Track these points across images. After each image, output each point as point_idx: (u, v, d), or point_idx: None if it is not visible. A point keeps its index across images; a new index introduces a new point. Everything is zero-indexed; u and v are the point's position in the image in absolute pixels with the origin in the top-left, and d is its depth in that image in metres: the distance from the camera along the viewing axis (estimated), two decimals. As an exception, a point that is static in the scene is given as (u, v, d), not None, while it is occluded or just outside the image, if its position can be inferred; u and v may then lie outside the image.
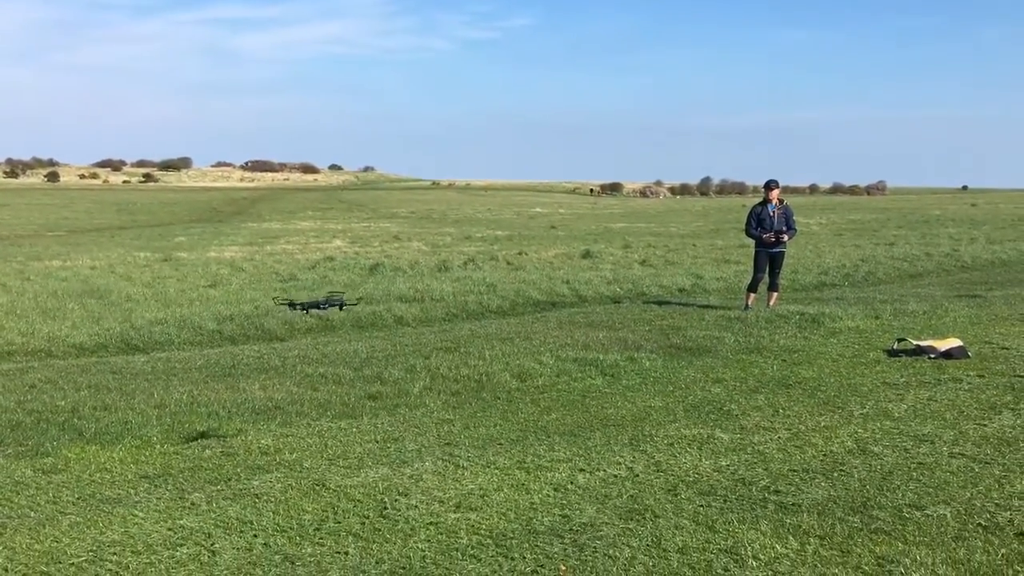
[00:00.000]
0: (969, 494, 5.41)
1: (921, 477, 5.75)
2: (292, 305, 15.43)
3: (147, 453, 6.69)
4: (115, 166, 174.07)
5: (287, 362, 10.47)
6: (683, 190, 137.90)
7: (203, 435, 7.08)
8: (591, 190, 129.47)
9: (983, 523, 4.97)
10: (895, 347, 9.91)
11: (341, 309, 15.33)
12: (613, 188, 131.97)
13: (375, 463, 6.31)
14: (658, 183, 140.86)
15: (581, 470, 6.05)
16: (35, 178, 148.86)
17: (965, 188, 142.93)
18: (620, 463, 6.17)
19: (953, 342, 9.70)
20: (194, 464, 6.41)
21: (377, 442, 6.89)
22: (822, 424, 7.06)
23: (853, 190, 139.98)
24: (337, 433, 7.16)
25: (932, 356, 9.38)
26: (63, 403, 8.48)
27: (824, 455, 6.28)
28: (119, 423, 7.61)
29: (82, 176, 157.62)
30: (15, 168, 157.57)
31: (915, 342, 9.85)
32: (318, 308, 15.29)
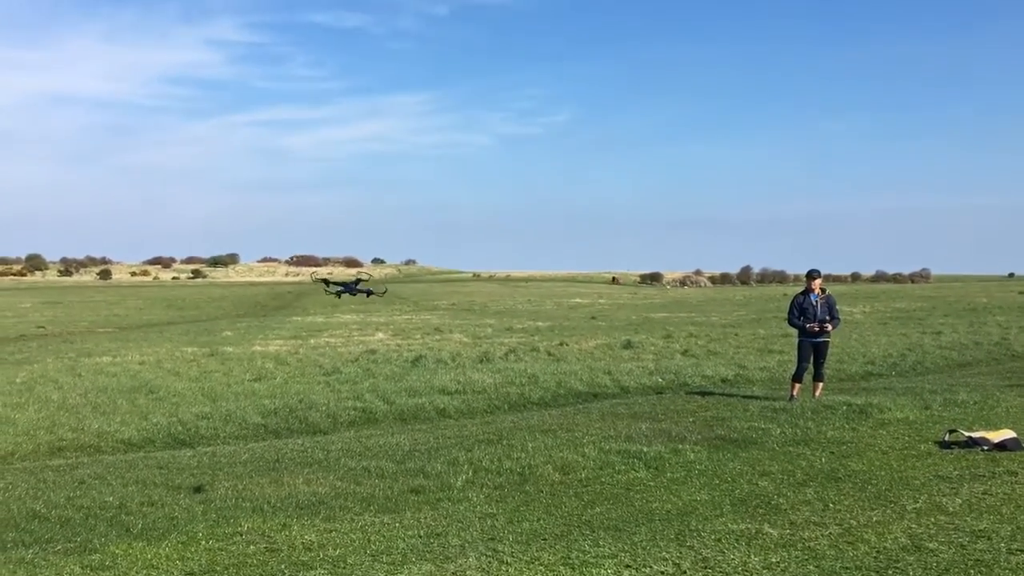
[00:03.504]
0: (1031, 593, 5.23)
1: (979, 575, 5.57)
2: (327, 283, 16.56)
3: (192, 549, 6.73)
4: (165, 263, 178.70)
5: (330, 456, 10.52)
6: (723, 279, 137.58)
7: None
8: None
9: (1047, 623, 4.78)
10: (947, 439, 9.69)
11: (368, 296, 16.35)
12: (653, 278, 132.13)
13: (418, 559, 6.27)
14: (698, 272, 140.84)
15: (627, 566, 5.95)
16: (88, 276, 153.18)
17: (1012, 275, 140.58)
18: (667, 559, 6.07)
19: (1007, 433, 9.47)
20: (239, 560, 6.43)
21: (420, 537, 6.86)
22: (874, 519, 6.89)
23: (896, 278, 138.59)
24: (380, 528, 7.15)
25: (985, 448, 9.15)
26: (111, 499, 8.59)
27: (877, 552, 6.11)
28: (165, 519, 7.68)
29: (133, 273, 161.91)
30: (69, 266, 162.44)
31: (967, 434, 9.63)
32: (349, 292, 16.38)
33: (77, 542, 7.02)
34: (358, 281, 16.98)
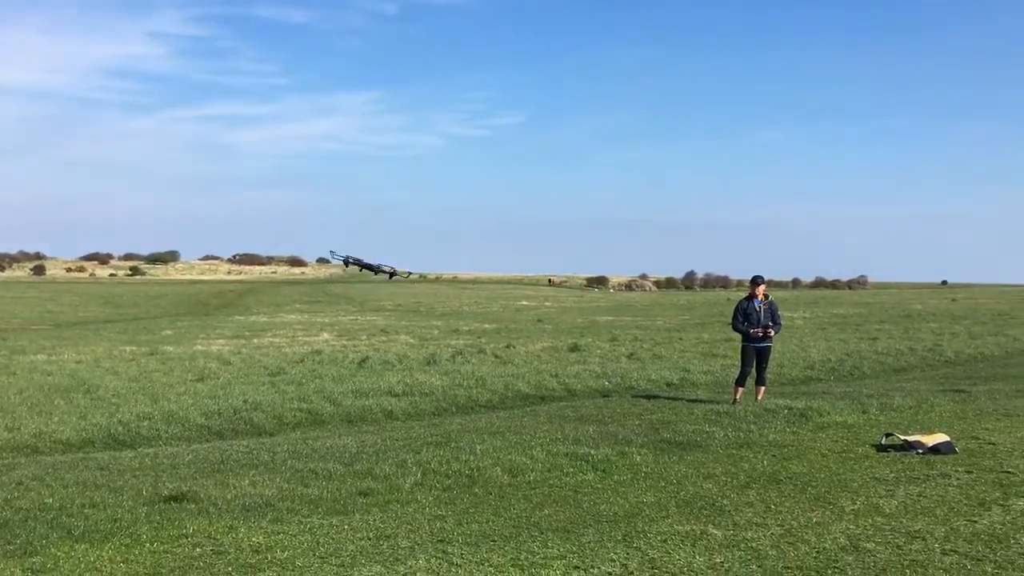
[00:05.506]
0: (962, 591, 5.43)
1: (914, 575, 5.77)
2: (346, 262, 16.83)
3: (136, 552, 6.62)
4: (102, 259, 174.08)
5: (277, 457, 10.42)
6: (668, 283, 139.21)
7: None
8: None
9: (978, 620, 4.98)
10: (883, 442, 9.99)
11: (391, 279, 16.64)
12: (599, 282, 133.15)
13: (368, 561, 6.28)
14: (643, 277, 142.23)
15: (575, 567, 6.03)
16: (21, 271, 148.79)
17: (945, 283, 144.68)
18: (614, 560, 6.17)
19: (940, 437, 9.81)
20: (184, 563, 6.35)
21: (370, 539, 6.86)
22: (814, 520, 7.09)
23: (835, 284, 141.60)
24: (329, 530, 7.12)
25: (920, 451, 9.46)
26: (51, 500, 8.40)
27: (817, 552, 6.29)
28: (108, 520, 7.54)
29: (69, 269, 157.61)
30: (1, 261, 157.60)
31: (903, 437, 9.94)
32: (371, 270, 16.72)
33: (17, 544, 6.86)
34: (380, 265, 17.56)
